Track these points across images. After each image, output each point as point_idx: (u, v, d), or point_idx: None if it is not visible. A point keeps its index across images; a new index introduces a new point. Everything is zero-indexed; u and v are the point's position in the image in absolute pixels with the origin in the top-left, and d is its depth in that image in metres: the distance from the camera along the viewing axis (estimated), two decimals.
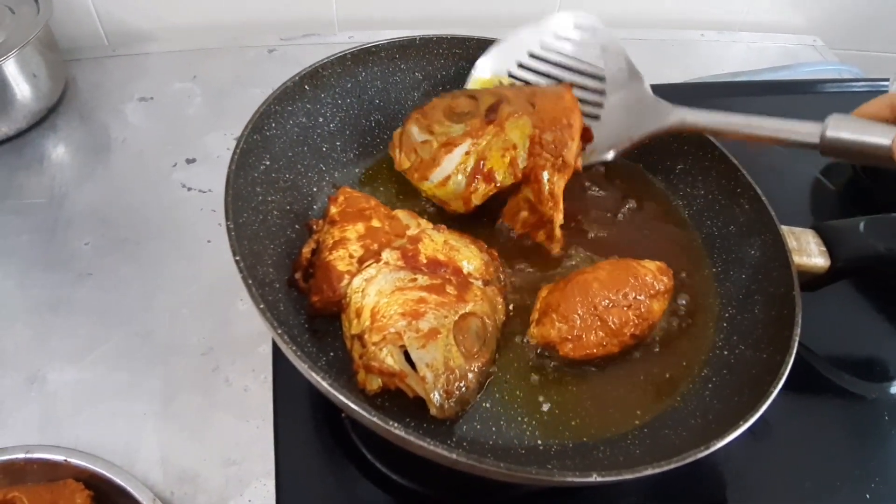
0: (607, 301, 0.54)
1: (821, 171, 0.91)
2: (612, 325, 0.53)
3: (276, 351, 0.61)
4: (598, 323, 0.53)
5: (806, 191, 0.89)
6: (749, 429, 0.45)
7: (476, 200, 0.62)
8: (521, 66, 0.71)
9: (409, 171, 0.64)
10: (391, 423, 0.38)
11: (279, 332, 0.41)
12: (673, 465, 0.40)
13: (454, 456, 0.37)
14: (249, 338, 0.63)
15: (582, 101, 0.66)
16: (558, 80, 0.70)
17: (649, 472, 0.39)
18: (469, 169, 0.61)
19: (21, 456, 0.50)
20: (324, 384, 0.40)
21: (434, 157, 0.62)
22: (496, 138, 0.61)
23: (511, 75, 0.71)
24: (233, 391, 0.60)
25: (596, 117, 0.68)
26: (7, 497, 0.48)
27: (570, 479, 0.39)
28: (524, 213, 0.63)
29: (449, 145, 0.62)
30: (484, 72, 0.71)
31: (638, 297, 0.55)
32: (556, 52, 0.70)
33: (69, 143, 0.81)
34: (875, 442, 0.63)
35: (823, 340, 0.68)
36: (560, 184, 0.61)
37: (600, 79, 0.68)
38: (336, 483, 0.54)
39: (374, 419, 0.38)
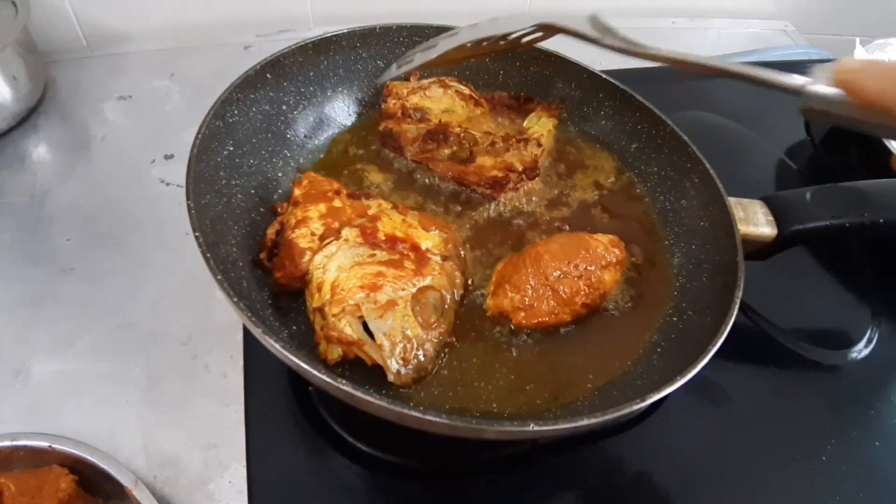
0: (558, 272, 0.56)
1: (784, 151, 0.93)
2: (563, 295, 0.56)
3: (247, 333, 0.63)
4: (550, 293, 0.56)
5: (770, 170, 0.91)
6: (688, 384, 0.47)
7: None
8: None
9: None
10: (339, 380, 0.40)
11: (235, 300, 0.43)
12: (609, 416, 0.42)
13: (398, 409, 0.39)
14: (228, 326, 0.65)
15: None
16: None
17: (584, 422, 0.41)
18: None
19: (7, 444, 0.51)
20: (276, 346, 0.42)
21: None
22: None
23: None
24: (212, 378, 0.61)
25: None
26: None
27: (507, 428, 0.41)
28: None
29: None
30: None
31: (589, 268, 0.57)
32: None
33: (50, 142, 0.83)
34: (831, 406, 0.65)
35: (781, 310, 0.71)
36: None
37: None
38: (306, 456, 0.56)
39: (323, 377, 0.40)
